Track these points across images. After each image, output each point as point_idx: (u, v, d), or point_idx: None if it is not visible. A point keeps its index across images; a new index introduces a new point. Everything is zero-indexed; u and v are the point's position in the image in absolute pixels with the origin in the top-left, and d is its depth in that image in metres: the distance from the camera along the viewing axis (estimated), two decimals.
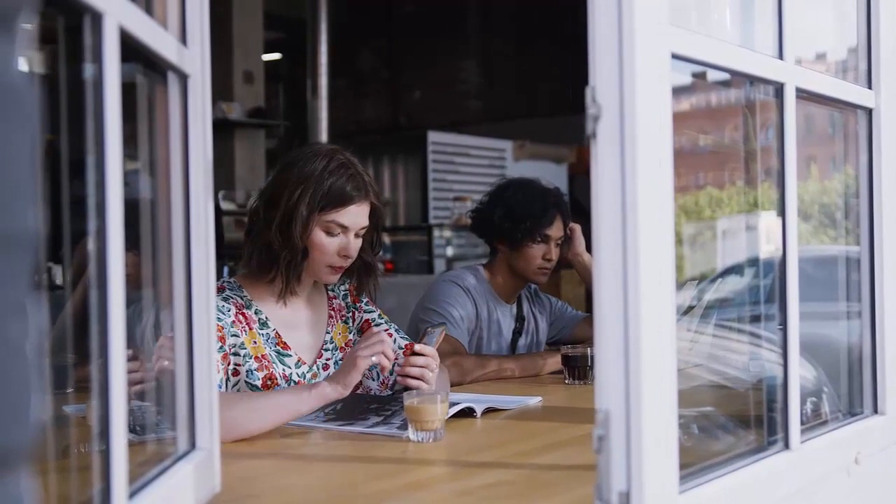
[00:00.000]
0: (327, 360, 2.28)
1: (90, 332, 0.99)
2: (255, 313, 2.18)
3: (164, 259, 1.33)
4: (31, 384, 0.55)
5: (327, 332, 2.30)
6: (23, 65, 0.55)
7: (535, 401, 2.29)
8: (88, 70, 0.99)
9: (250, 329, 2.14)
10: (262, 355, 2.13)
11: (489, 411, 2.12)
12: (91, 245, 0.99)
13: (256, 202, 2.21)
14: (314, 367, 2.24)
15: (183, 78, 1.31)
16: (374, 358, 1.94)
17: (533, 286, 3.13)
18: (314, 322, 2.28)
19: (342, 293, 2.38)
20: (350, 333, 2.34)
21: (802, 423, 1.50)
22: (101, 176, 0.97)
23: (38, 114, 0.56)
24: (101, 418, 0.98)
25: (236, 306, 2.13)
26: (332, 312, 2.33)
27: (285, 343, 2.19)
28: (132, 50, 1.09)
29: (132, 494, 1.07)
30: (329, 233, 2.15)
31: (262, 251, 2.16)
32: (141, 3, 1.14)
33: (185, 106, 1.32)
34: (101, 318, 0.98)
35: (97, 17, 0.97)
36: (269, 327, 2.18)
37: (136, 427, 1.34)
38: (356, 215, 2.16)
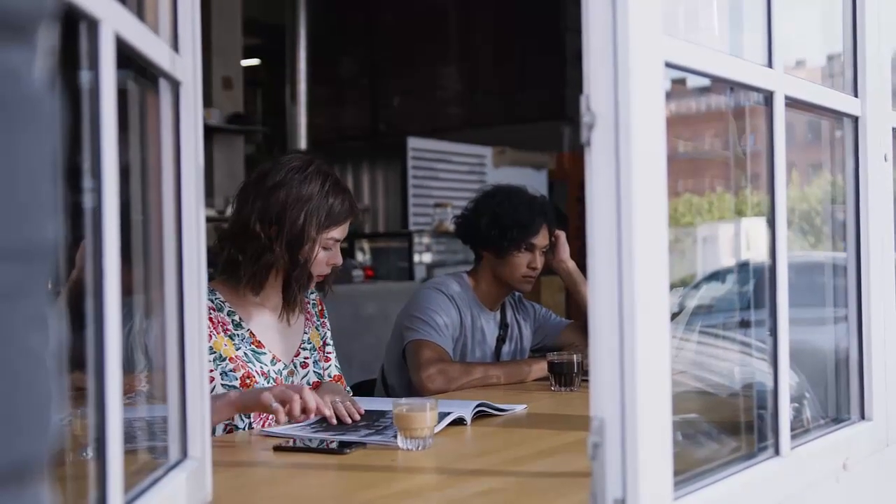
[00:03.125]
0: (305, 358, 2.36)
1: (76, 340, 0.98)
2: (228, 315, 2.23)
3: (154, 267, 1.32)
4: (51, 396, 0.55)
5: (305, 332, 2.38)
6: (42, 74, 0.54)
7: (521, 408, 2.29)
8: (84, 76, 0.98)
9: (218, 333, 2.19)
10: (236, 356, 2.19)
11: (479, 416, 2.13)
12: (86, 251, 0.98)
13: (250, 217, 2.20)
14: (291, 365, 2.31)
15: (175, 85, 1.30)
16: (274, 405, 1.90)
17: (517, 293, 3.13)
18: (291, 323, 2.34)
19: (312, 300, 2.46)
20: (321, 339, 2.44)
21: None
22: (97, 183, 0.96)
23: (58, 123, 0.56)
24: (97, 427, 0.97)
25: None
26: (308, 315, 2.42)
27: (260, 342, 2.25)
28: (124, 56, 1.08)
29: None
30: (326, 248, 2.25)
31: (265, 270, 2.21)
32: (133, 9, 1.13)
33: (177, 113, 1.31)
34: (97, 327, 0.97)
35: (93, 24, 0.96)
36: (243, 328, 2.23)
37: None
38: (346, 228, 2.29)
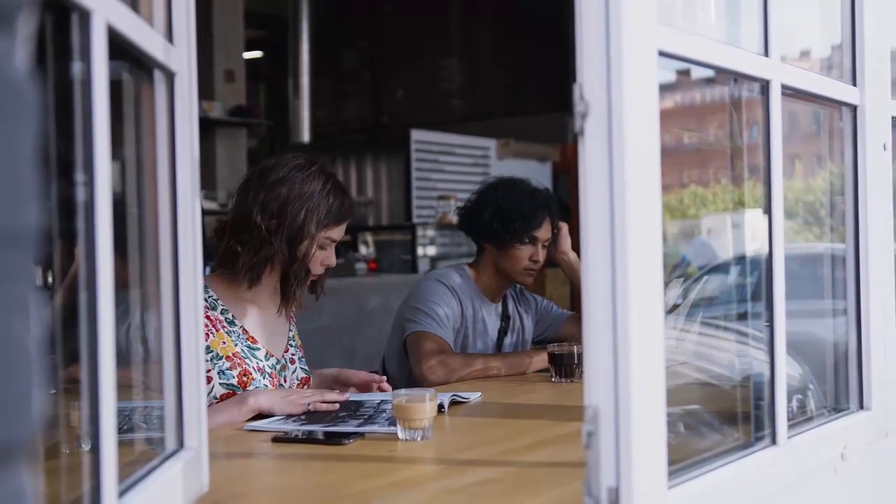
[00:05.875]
0: (292, 355, 2.40)
1: (75, 333, 0.99)
2: (221, 313, 2.25)
3: (151, 259, 1.33)
4: (34, 380, 0.55)
5: (290, 330, 2.42)
6: (23, 62, 0.55)
7: (475, 396, 2.32)
8: (76, 68, 0.98)
9: (217, 330, 2.21)
10: (234, 353, 2.21)
11: (453, 404, 2.18)
12: (79, 246, 0.98)
13: (251, 210, 2.22)
14: (282, 360, 2.34)
15: (170, 76, 1.30)
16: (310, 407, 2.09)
17: (518, 285, 3.13)
18: (277, 320, 2.36)
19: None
20: (298, 338, 2.48)
21: (789, 419, 1.51)
22: (90, 176, 0.96)
23: (38, 111, 0.56)
24: (91, 418, 0.97)
25: None
26: (292, 314, 2.45)
27: (253, 337, 2.27)
28: (118, 48, 1.08)
29: (121, 493, 1.06)
30: (322, 247, 2.27)
31: (263, 262, 2.23)
32: (127, 0, 1.13)
33: (172, 104, 1.31)
34: (91, 319, 0.97)
35: (85, 15, 0.96)
36: (236, 325, 2.25)
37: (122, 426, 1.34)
38: (343, 230, 2.31)
